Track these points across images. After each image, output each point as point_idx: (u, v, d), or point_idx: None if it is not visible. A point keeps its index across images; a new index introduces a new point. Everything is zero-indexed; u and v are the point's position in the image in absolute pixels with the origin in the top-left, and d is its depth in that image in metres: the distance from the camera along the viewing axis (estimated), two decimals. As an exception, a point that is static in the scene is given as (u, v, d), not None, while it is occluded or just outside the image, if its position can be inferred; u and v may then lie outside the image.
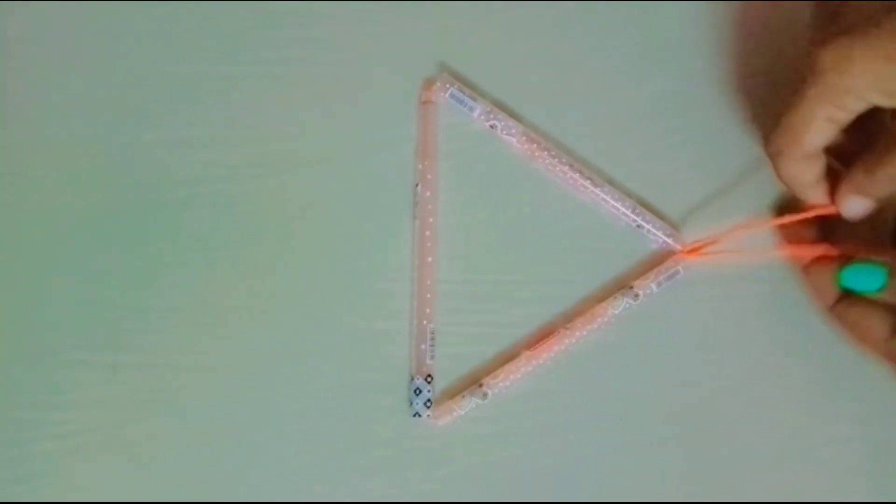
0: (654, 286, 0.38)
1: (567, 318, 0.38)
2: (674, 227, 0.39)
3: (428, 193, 0.38)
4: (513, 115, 0.39)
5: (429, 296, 0.37)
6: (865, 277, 0.33)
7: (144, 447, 0.36)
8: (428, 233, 0.38)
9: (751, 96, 0.40)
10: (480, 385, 0.37)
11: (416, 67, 0.39)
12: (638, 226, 0.39)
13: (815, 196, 0.35)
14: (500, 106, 0.39)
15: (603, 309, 0.38)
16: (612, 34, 0.40)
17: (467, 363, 0.38)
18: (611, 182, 0.39)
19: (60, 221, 0.38)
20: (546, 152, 0.38)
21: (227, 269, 0.38)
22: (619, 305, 0.38)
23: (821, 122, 0.32)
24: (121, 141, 0.38)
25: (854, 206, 0.34)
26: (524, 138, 0.38)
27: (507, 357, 0.38)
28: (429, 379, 0.37)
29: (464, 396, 0.37)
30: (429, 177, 0.38)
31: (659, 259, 0.39)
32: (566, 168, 0.38)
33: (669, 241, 0.39)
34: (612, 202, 0.38)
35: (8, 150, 0.38)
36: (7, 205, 0.38)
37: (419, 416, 0.37)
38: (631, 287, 0.38)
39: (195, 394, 0.37)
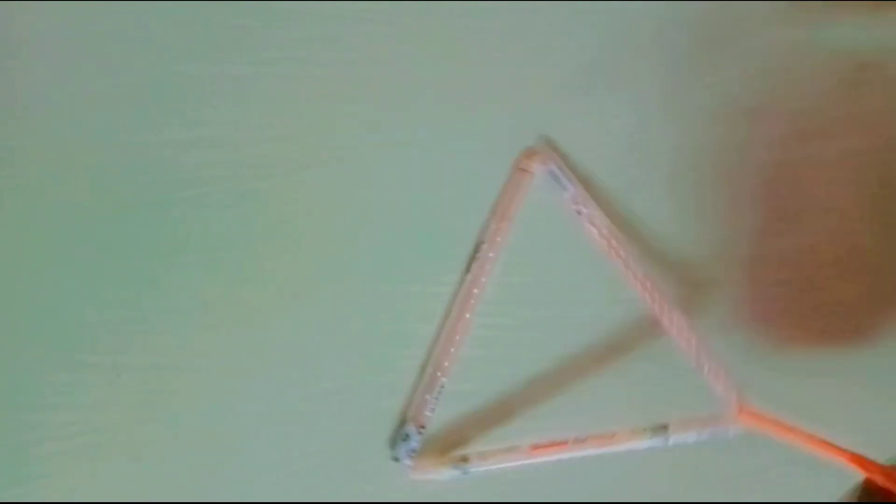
0: (691, 439, 0.34)
1: (581, 435, 0.35)
2: (736, 383, 0.34)
3: (491, 254, 0.37)
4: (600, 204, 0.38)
5: (452, 350, 0.37)
6: None
7: (147, 449, 0.37)
8: (476, 290, 0.37)
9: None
10: (465, 460, 0.35)
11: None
12: (699, 366, 0.35)
13: None
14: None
15: (625, 438, 0.34)
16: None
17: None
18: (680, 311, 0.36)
19: (63, 222, 0.38)
20: (623, 255, 0.36)
21: (231, 270, 0.38)
22: (644, 442, 0.34)
23: None
24: (124, 141, 0.38)
25: None
26: (606, 232, 0.37)
27: (505, 432, 0.36)
28: (421, 430, 0.36)
29: (445, 465, 0.35)
30: (498, 239, 0.37)
31: (707, 409, 0.34)
32: (637, 282, 0.36)
33: (728, 395, 0.34)
34: (678, 330, 0.35)
35: (11, 150, 0.38)
36: (10, 204, 0.38)
37: (398, 460, 0.36)
38: (665, 428, 0.34)
39: (198, 396, 0.37)
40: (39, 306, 0.37)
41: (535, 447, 0.35)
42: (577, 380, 0.37)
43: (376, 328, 0.38)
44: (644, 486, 0.36)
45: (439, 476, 0.35)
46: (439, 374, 0.37)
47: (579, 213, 0.37)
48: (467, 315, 0.37)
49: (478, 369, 0.37)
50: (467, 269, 0.38)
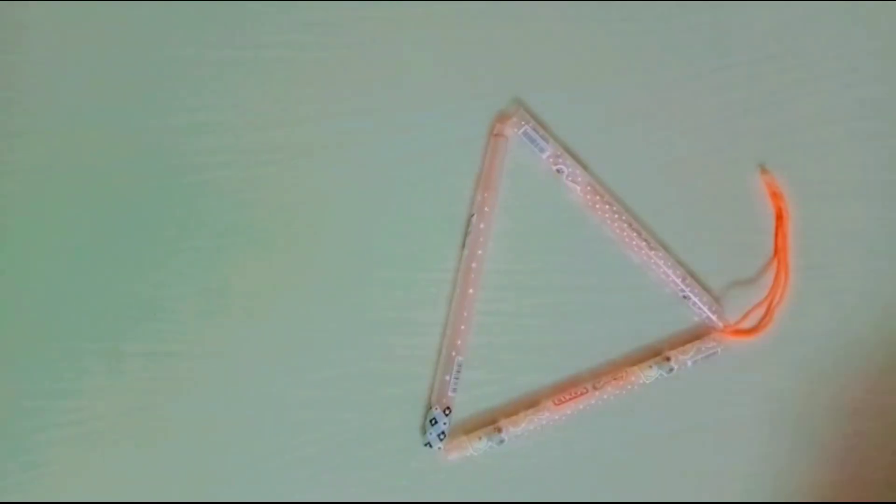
0: (689, 362, 0.37)
1: (595, 376, 0.37)
2: (716, 300, 0.38)
3: (482, 225, 0.37)
4: (578, 161, 0.38)
5: (463, 327, 0.37)
6: None
7: (148, 436, 0.36)
8: (474, 265, 0.37)
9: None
10: (498, 429, 0.36)
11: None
12: (684, 296, 0.38)
13: None
14: (566, 149, 0.38)
15: (634, 375, 0.37)
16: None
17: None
18: (665, 247, 0.38)
19: (63, 210, 0.37)
20: (608, 206, 0.38)
21: (234, 256, 0.37)
22: (651, 375, 0.37)
23: None
24: (124, 127, 0.37)
25: None
26: (588, 188, 0.38)
27: (528, 402, 0.37)
28: (447, 411, 0.36)
29: (480, 438, 0.36)
30: (486, 209, 0.37)
31: (699, 333, 0.38)
32: (624, 225, 0.38)
33: (713, 317, 0.38)
34: (664, 268, 0.38)
35: (12, 139, 0.37)
36: (9, 193, 0.37)
37: (430, 446, 0.36)
38: (667, 359, 0.37)
39: (199, 383, 0.37)
40: (40, 294, 0.37)
41: (559, 400, 0.37)
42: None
43: (378, 315, 0.37)
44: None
45: (475, 451, 0.36)
46: (454, 353, 0.37)
47: (559, 171, 0.38)
48: (470, 291, 0.37)
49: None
50: (463, 245, 0.37)
